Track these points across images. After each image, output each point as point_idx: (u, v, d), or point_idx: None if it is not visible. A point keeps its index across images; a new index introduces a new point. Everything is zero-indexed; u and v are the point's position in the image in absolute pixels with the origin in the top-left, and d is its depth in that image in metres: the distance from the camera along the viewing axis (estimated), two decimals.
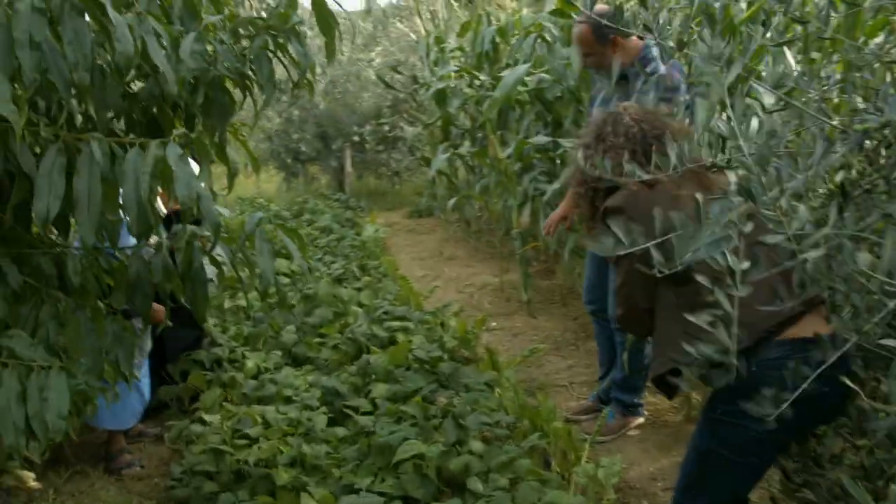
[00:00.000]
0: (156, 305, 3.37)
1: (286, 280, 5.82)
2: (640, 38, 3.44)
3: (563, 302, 5.95)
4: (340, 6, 2.08)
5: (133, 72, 1.54)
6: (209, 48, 1.89)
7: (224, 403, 3.75)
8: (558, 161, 5.72)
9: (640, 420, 3.87)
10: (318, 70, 8.50)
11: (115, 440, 3.61)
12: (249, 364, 4.02)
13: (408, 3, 12.52)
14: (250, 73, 1.91)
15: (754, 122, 1.33)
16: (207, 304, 1.96)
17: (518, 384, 3.95)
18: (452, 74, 7.79)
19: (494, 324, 5.62)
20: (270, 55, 1.93)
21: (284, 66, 2.01)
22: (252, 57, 1.89)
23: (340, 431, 3.25)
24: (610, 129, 2.21)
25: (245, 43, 1.92)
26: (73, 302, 1.99)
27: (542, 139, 5.03)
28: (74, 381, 1.70)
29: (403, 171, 11.31)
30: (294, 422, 3.22)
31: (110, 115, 1.97)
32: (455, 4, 9.28)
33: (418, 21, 9.61)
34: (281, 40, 1.94)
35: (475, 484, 2.78)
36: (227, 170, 2.38)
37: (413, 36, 9.64)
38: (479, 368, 4.23)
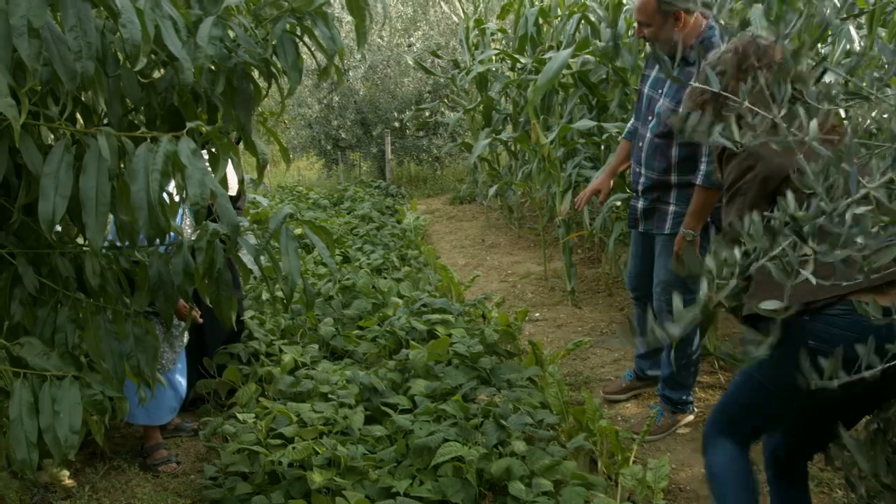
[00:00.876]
0: (181, 303, 3.32)
1: (324, 270, 5.73)
2: (704, 16, 3.26)
3: (608, 291, 5.77)
4: None
5: (143, 59, 1.41)
6: (230, 33, 1.77)
7: (260, 399, 3.67)
8: (603, 146, 5.54)
9: (690, 417, 3.69)
10: (356, 56, 8.38)
11: (151, 435, 3.55)
12: (286, 358, 3.93)
13: None
14: (274, 59, 1.78)
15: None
16: (232, 306, 1.85)
17: (562, 379, 3.79)
18: (493, 58, 7.61)
19: (538, 314, 5.47)
20: (296, 39, 1.80)
21: (310, 52, 1.88)
22: (275, 42, 1.76)
23: (378, 431, 3.14)
24: (753, 59, 2.10)
25: (269, 27, 1.79)
26: (94, 304, 1.89)
27: (586, 123, 4.83)
28: (89, 390, 1.60)
29: (444, 156, 11.16)
30: (330, 421, 3.11)
31: (127, 107, 1.86)
32: None
33: (458, 4, 9.41)
34: (307, 23, 1.80)
35: (518, 488, 2.65)
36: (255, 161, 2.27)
37: (454, 19, 9.45)
38: (521, 363, 4.09)
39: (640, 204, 3.51)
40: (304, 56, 2.03)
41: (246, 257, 1.88)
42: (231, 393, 3.95)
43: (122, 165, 1.48)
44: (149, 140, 1.39)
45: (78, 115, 1.77)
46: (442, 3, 10.88)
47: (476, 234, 8.10)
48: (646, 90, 3.44)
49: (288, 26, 1.78)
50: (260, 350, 4.19)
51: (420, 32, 11.65)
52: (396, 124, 10.92)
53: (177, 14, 1.56)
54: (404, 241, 6.86)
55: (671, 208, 3.40)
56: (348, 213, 8.09)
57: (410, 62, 10.57)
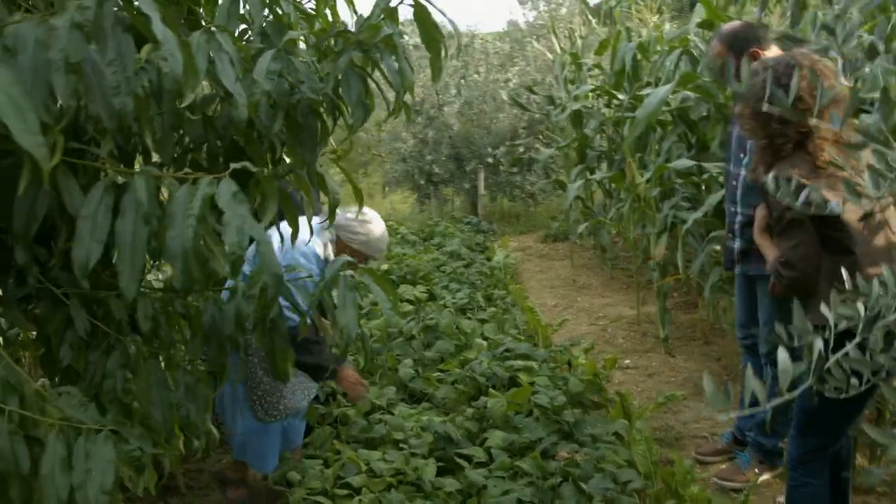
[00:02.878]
0: (353, 378, 3.22)
1: (409, 307, 5.62)
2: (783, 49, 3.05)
3: (704, 339, 5.44)
4: (446, 16, 1.81)
5: (191, 95, 1.32)
6: (297, 67, 1.67)
7: (335, 441, 3.55)
8: (703, 186, 5.25)
9: (780, 470, 3.40)
10: (452, 91, 8.36)
11: (246, 474, 3.35)
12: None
13: (546, 22, 12.25)
14: (335, 94, 1.66)
15: None
16: (287, 359, 1.73)
17: (651, 436, 3.53)
18: (589, 94, 7.43)
19: (628, 361, 5.19)
20: (363, 74, 1.68)
21: (378, 86, 1.76)
22: (340, 76, 1.65)
23: (450, 484, 2.96)
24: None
25: (333, 60, 1.68)
26: (147, 349, 1.80)
27: (684, 163, 4.58)
28: (127, 446, 1.50)
29: (538, 193, 10.98)
30: (400, 472, 2.96)
31: (186, 146, 1.79)
32: (593, 21, 8.90)
33: (554, 39, 9.28)
34: (375, 56, 1.68)
35: None
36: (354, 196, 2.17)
37: (549, 55, 9.31)
38: (608, 415, 3.85)
39: (737, 245, 3.32)
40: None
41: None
42: (308, 431, 3.86)
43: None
44: (191, 182, 1.28)
45: (139, 156, 1.70)
46: (534, 42, 10.78)
47: (567, 274, 7.86)
48: (735, 131, 3.28)
49: (354, 59, 1.67)
50: (338, 390, 4.09)
51: (517, 68, 11.57)
52: (490, 160, 10.82)
53: (232, 48, 1.47)
54: (492, 279, 6.69)
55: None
56: (437, 249, 7.99)
57: (505, 98, 10.49)
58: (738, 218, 3.31)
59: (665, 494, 3.06)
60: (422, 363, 4.58)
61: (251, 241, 1.33)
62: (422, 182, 11.49)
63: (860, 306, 1.27)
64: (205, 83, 1.67)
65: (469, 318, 5.38)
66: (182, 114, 1.66)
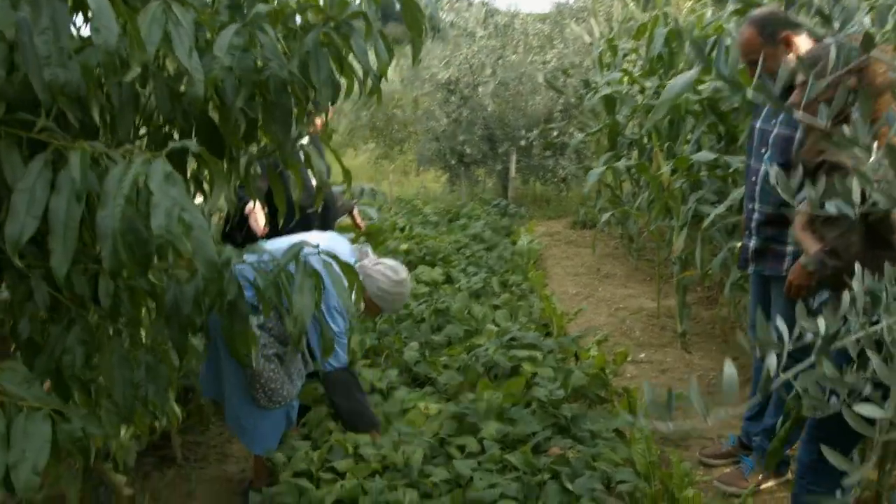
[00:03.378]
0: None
1: (424, 290, 5.56)
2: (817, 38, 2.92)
3: (723, 337, 5.31)
4: None
5: (137, 69, 1.27)
6: (262, 42, 1.61)
7: (331, 423, 3.53)
8: (730, 180, 5.09)
9: (785, 479, 3.30)
10: (488, 71, 8.22)
11: (259, 465, 3.28)
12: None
13: (586, 4, 12.02)
14: (303, 72, 1.60)
15: None
16: (246, 343, 1.68)
17: (652, 434, 3.44)
18: (623, 80, 7.26)
19: (643, 355, 5.08)
20: (330, 52, 1.62)
21: (347, 69, 1.68)
22: (307, 52, 1.58)
23: (439, 474, 2.91)
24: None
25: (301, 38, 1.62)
26: (111, 327, 1.77)
27: (706, 155, 4.44)
28: (68, 426, 1.47)
29: (570, 178, 10.82)
30: (387, 459, 2.91)
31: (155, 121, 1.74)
32: (631, 4, 8.68)
33: (594, 22, 9.08)
34: (346, 31, 1.61)
35: None
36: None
37: (588, 38, 9.12)
38: (613, 411, 3.76)
39: (753, 243, 3.21)
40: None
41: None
42: (306, 410, 3.84)
43: None
44: (127, 161, 1.23)
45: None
46: (573, 25, 10.56)
47: (592, 262, 7.74)
48: (758, 124, 3.17)
49: (323, 36, 1.60)
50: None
51: (555, 51, 11.37)
52: (523, 142, 10.67)
53: (190, 21, 1.41)
54: (511, 264, 6.59)
55: (788, 248, 3.10)
56: (461, 231, 7.91)
57: (541, 80, 10.32)
58: (756, 216, 3.19)
59: (661, 496, 2.98)
60: (429, 347, 4.54)
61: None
62: (453, 162, 11.38)
63: (820, 323, 1.19)
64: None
65: (482, 304, 5.31)
66: (162, 87, 1.61)
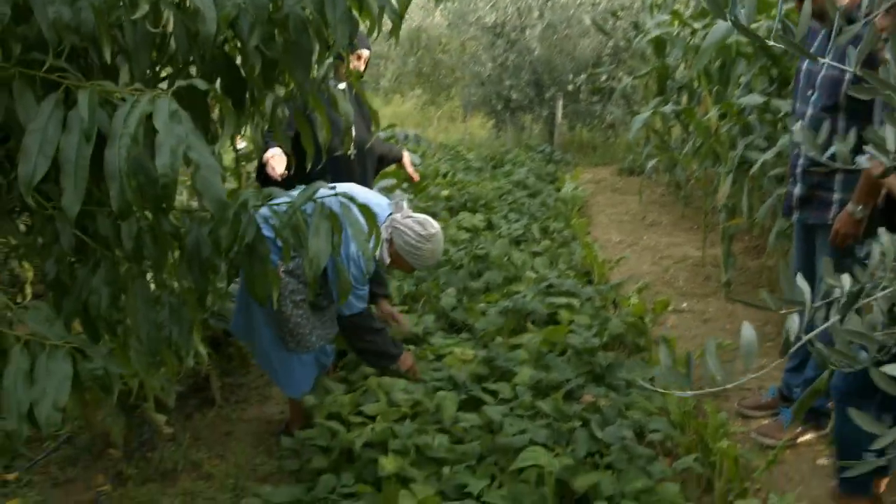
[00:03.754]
0: (410, 363, 3.22)
1: (465, 236, 5.54)
2: None
3: (770, 287, 5.18)
4: None
5: (145, 6, 1.24)
6: None
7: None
8: (780, 125, 4.92)
9: (824, 432, 3.24)
10: (535, 13, 8.03)
11: (294, 408, 3.34)
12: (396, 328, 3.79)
13: None
14: (309, 13, 1.56)
15: None
16: (266, 285, 1.68)
17: (693, 384, 3.39)
18: (675, 21, 7.03)
19: (685, 305, 5.00)
20: None
21: (365, 7, 1.64)
22: None
23: (469, 419, 2.92)
24: None
25: None
26: (135, 268, 1.78)
27: (753, 98, 4.29)
28: (89, 364, 1.49)
29: (618, 124, 10.60)
30: (417, 404, 2.93)
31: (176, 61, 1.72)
32: None
33: None
34: None
35: None
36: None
37: None
38: (650, 360, 3.72)
39: (798, 190, 3.10)
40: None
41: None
42: (342, 355, 3.88)
43: None
44: (135, 99, 1.22)
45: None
46: None
47: (638, 210, 7.61)
48: (805, 65, 3.03)
49: None
50: (376, 314, 4.09)
51: None
52: (570, 87, 10.46)
53: None
54: (553, 211, 6.51)
55: (834, 196, 2.99)
56: (505, 177, 7.83)
57: (589, 22, 10.07)
58: (801, 161, 3.08)
59: (694, 446, 2.95)
60: (467, 293, 4.53)
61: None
62: (499, 107, 11.24)
63: (846, 279, 1.14)
64: None
65: (522, 250, 5.27)
66: (180, 26, 1.59)
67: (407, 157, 4.06)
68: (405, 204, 3.29)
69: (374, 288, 3.56)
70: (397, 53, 15.75)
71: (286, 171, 3.26)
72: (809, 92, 3.01)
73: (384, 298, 3.75)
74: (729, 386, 1.15)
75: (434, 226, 3.14)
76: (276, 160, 3.27)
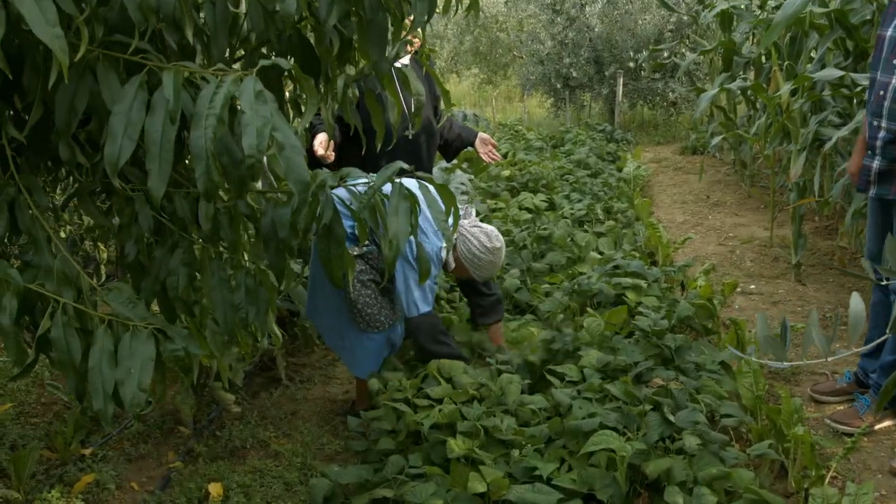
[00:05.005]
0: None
1: (527, 216, 5.49)
2: None
3: (842, 269, 5.02)
4: None
5: None
6: None
7: None
8: (855, 101, 4.74)
9: None
10: None
11: (361, 387, 3.34)
12: (461, 311, 3.78)
13: None
14: None
15: None
16: (342, 266, 1.67)
17: (761, 369, 3.30)
18: None
19: (753, 287, 4.88)
20: None
21: None
22: None
23: (537, 402, 2.89)
24: None
25: None
26: (213, 250, 1.80)
27: (831, 72, 4.12)
28: (171, 345, 1.50)
29: (681, 101, 10.37)
30: (482, 387, 2.91)
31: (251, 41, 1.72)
32: None
33: None
34: None
35: (674, 496, 2.30)
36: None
37: None
38: (719, 343, 3.64)
39: (876, 164, 2.99)
40: None
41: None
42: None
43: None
44: (219, 80, 1.21)
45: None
46: None
47: (702, 190, 7.45)
48: (889, 32, 2.89)
49: None
50: (442, 296, 4.08)
51: None
52: (631, 64, 10.27)
53: None
54: (617, 191, 6.41)
55: None
56: (566, 157, 7.73)
57: None
58: (882, 133, 2.95)
59: (768, 432, 2.87)
60: (531, 274, 4.49)
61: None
62: (558, 86, 11.09)
63: None
64: None
65: (586, 231, 5.20)
66: (256, 6, 1.58)
67: (482, 139, 3.94)
68: (473, 211, 3.27)
69: (482, 318, 3.55)
70: (453, 32, 15.65)
71: (331, 154, 3.27)
72: (894, 60, 2.88)
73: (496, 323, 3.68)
74: (829, 359, 1.10)
75: (500, 240, 3.18)
76: (322, 144, 3.27)
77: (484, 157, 3.92)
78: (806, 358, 1.13)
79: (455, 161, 5.23)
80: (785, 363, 1.15)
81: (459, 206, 3.19)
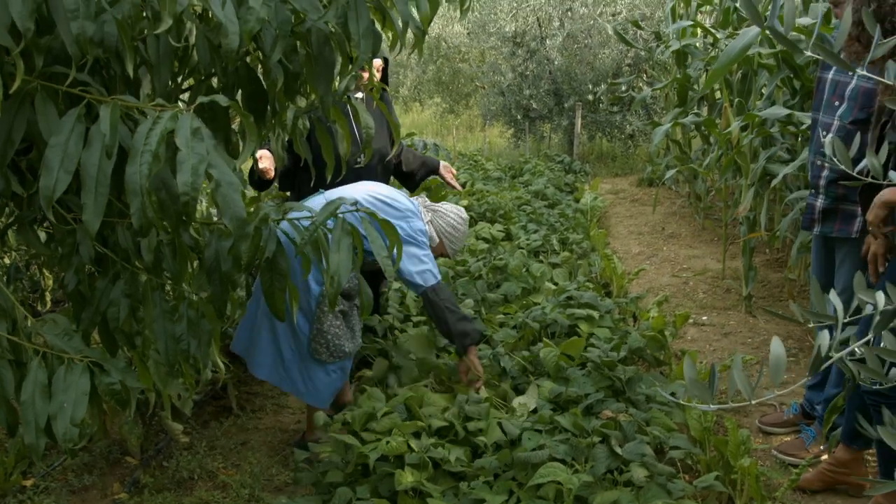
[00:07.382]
0: (475, 360, 3.27)
1: (483, 246, 5.52)
2: None
3: (791, 301, 5.12)
4: None
5: (168, 20, 1.24)
6: None
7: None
8: (800, 138, 4.87)
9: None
10: (555, 23, 8.00)
11: (311, 419, 3.28)
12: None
13: None
14: (342, 24, 1.55)
15: None
16: (283, 298, 1.67)
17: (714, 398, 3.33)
18: (695, 31, 6.99)
19: (705, 318, 4.96)
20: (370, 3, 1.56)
21: (389, 21, 1.63)
22: (346, 2, 1.53)
23: (488, 433, 2.89)
24: None
25: None
26: (154, 280, 1.78)
27: (776, 111, 4.24)
28: (107, 378, 1.48)
29: (638, 134, 10.55)
30: (433, 418, 2.90)
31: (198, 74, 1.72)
32: None
33: None
34: None
35: None
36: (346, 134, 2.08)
37: None
38: (670, 375, 3.68)
39: (820, 202, 3.06)
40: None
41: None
42: (363, 364, 3.86)
43: None
44: (157, 115, 1.21)
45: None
46: None
47: (657, 221, 7.56)
48: (829, 76, 3.00)
49: None
50: (395, 325, 4.07)
51: (627, 1, 11.03)
52: (590, 97, 10.44)
53: None
54: (573, 222, 6.48)
55: (860, 209, 2.92)
56: (524, 187, 7.80)
57: (610, 31, 10.03)
58: (825, 173, 3.03)
59: (716, 463, 2.91)
60: (485, 304, 4.51)
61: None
62: (518, 117, 11.23)
63: (879, 296, 1.12)
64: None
65: (541, 262, 5.24)
66: (201, 40, 1.59)
67: (444, 167, 4.11)
68: (426, 200, 3.40)
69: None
70: (416, 62, 15.80)
71: (271, 170, 3.29)
72: (836, 102, 2.97)
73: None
74: (753, 402, 1.12)
75: (464, 211, 3.48)
76: (265, 160, 3.28)
77: (451, 182, 4.09)
78: (732, 401, 1.15)
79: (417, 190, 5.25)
80: (711, 406, 1.17)
81: (413, 199, 3.31)
